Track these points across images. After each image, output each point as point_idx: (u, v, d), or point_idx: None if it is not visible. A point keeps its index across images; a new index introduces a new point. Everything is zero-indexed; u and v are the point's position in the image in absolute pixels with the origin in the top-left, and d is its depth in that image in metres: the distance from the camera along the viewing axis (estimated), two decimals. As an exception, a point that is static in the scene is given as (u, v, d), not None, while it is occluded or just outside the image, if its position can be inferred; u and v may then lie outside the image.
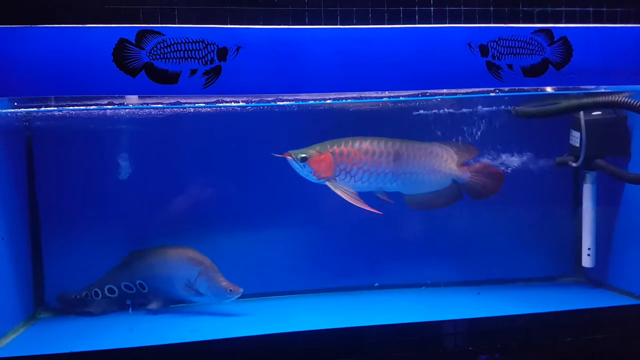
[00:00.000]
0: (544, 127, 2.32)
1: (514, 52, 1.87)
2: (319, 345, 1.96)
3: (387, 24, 1.85)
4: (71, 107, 1.88)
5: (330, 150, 2.15)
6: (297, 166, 2.14)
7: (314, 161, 2.13)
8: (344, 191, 2.12)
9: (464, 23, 1.88)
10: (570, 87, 1.95)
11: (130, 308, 2.21)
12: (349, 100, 2.00)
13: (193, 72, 1.72)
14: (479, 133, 2.29)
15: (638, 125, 2.25)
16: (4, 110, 1.94)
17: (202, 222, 2.32)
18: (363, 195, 2.15)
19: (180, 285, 2.20)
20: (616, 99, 2.01)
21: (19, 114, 2.00)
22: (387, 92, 1.91)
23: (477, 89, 1.91)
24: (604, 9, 1.96)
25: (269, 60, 1.76)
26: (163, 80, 1.71)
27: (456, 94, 1.97)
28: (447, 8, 1.88)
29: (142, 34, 1.69)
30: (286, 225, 2.39)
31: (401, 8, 1.86)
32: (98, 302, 2.23)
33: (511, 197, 2.43)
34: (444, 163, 2.23)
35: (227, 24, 1.77)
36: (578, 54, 1.90)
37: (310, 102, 2.00)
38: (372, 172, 2.17)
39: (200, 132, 2.29)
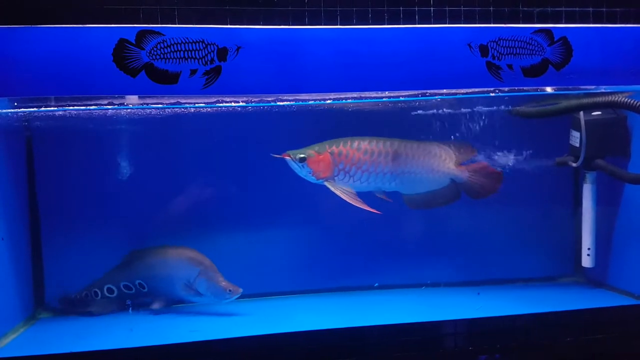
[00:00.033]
0: (544, 127, 2.32)
1: (514, 52, 1.87)
2: (319, 346, 1.96)
3: (387, 24, 1.85)
4: (71, 107, 1.88)
5: (329, 151, 2.15)
6: (295, 166, 2.14)
7: (313, 161, 2.13)
8: (342, 191, 2.13)
9: (463, 23, 1.88)
10: (570, 87, 1.95)
11: (130, 308, 2.21)
12: (349, 101, 2.00)
13: (193, 72, 1.72)
14: (478, 133, 2.29)
15: (638, 125, 2.25)
16: (4, 110, 1.94)
17: (202, 222, 2.32)
18: (362, 195, 2.15)
19: (180, 286, 2.20)
20: (616, 99, 2.01)
21: (19, 114, 2.00)
22: (387, 93, 1.91)
23: (477, 89, 1.91)
24: (604, 9, 1.96)
25: (269, 61, 1.76)
26: (163, 80, 1.71)
27: (456, 94, 1.97)
28: (447, 8, 1.88)
29: (142, 34, 1.69)
30: (286, 225, 2.39)
31: (401, 8, 1.86)
32: (99, 302, 2.23)
33: (511, 197, 2.44)
34: (443, 162, 2.23)
35: (227, 24, 1.77)
36: (578, 54, 1.90)
37: (310, 102, 2.00)
38: (370, 172, 2.17)
39: (200, 133, 2.29)
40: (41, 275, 2.26)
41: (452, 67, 1.84)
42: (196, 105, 1.95)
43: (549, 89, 1.97)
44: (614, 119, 2.26)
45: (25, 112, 1.97)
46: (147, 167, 2.28)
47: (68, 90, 1.69)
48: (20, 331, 2.07)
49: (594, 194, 2.32)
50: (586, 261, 2.34)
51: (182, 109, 1.99)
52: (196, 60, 1.72)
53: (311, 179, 2.15)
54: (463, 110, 2.28)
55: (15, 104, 1.88)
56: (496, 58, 1.86)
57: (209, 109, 2.01)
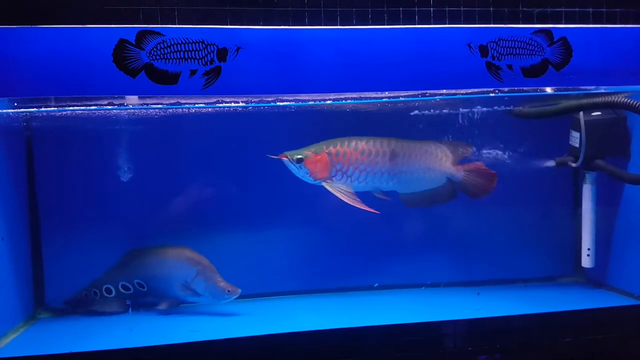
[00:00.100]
0: (543, 128, 2.32)
1: (514, 53, 1.87)
2: (319, 346, 1.96)
3: (387, 25, 1.85)
4: (71, 108, 1.88)
5: (326, 151, 2.15)
6: (293, 167, 2.14)
7: (310, 162, 2.13)
8: (340, 191, 2.13)
9: (463, 23, 1.88)
10: (570, 87, 1.95)
11: (130, 308, 2.22)
12: (349, 101, 2.00)
13: (193, 72, 1.72)
14: (478, 133, 2.29)
15: (637, 125, 2.25)
16: (4, 110, 1.94)
17: (202, 222, 2.32)
18: (360, 195, 2.15)
19: (178, 286, 2.20)
20: (615, 99, 2.01)
21: (19, 114, 2.00)
22: (386, 93, 1.91)
23: (476, 90, 1.91)
24: (604, 10, 1.96)
25: (268, 61, 1.76)
26: (163, 80, 1.71)
27: (456, 94, 1.97)
28: (446, 9, 1.88)
29: (142, 35, 1.69)
30: (286, 225, 2.39)
31: (401, 9, 1.86)
32: (99, 301, 2.23)
33: (511, 197, 2.44)
34: (439, 162, 2.24)
35: (227, 25, 1.77)
36: (578, 54, 1.90)
37: (310, 102, 2.00)
38: (368, 172, 2.17)
39: (200, 133, 2.29)
40: (41, 275, 2.26)
41: (452, 68, 1.84)
42: (196, 105, 1.95)
43: (548, 90, 1.97)
44: (614, 120, 2.26)
45: (25, 112, 1.97)
46: (147, 167, 2.28)
47: (68, 91, 1.69)
48: (20, 331, 2.07)
49: (594, 194, 2.32)
50: (586, 261, 2.34)
51: (182, 110, 1.99)
52: (196, 61, 1.72)
53: (309, 179, 2.15)
54: (463, 110, 2.28)
55: (15, 104, 1.88)
56: (496, 58, 1.86)
57: (209, 110, 2.01)
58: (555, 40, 1.89)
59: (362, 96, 1.94)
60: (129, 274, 2.23)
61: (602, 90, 2.05)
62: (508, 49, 1.87)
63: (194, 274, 2.18)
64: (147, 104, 1.91)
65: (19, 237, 2.17)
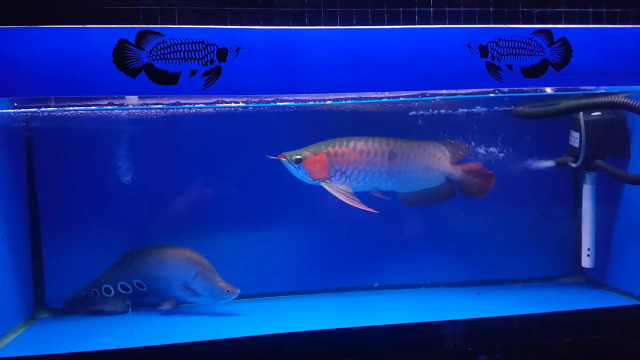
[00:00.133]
0: (543, 128, 2.32)
1: (514, 53, 1.87)
2: (319, 346, 1.96)
3: (387, 25, 1.85)
4: (71, 108, 1.88)
5: (325, 151, 2.15)
6: (292, 168, 2.14)
7: (309, 162, 2.13)
8: (339, 191, 2.13)
9: (463, 24, 1.88)
10: (570, 87, 1.95)
11: (130, 308, 2.22)
12: (349, 101, 2.00)
13: (193, 72, 1.72)
14: (478, 134, 2.29)
15: (637, 125, 2.25)
16: (4, 110, 1.94)
17: (202, 222, 2.32)
18: (358, 195, 2.15)
19: (177, 286, 2.20)
20: (615, 99, 2.01)
21: (19, 114, 2.00)
22: (386, 93, 1.91)
23: (476, 90, 1.91)
24: (604, 10, 1.96)
25: (268, 61, 1.76)
26: (163, 80, 1.71)
27: (456, 94, 1.98)
28: (446, 9, 1.88)
29: (142, 35, 1.69)
30: (285, 225, 2.40)
31: (401, 9, 1.86)
32: (99, 302, 2.23)
33: (511, 197, 2.44)
34: (438, 161, 2.24)
35: (227, 25, 1.77)
36: (577, 54, 1.90)
37: (310, 102, 2.00)
38: (367, 172, 2.18)
39: (200, 133, 2.29)
40: (41, 275, 2.26)
41: (452, 68, 1.84)
42: (196, 105, 1.95)
43: (548, 90, 1.97)
44: (614, 120, 2.26)
45: (25, 112, 1.97)
46: (147, 167, 2.28)
47: (68, 91, 1.69)
48: (20, 331, 2.07)
49: (594, 194, 2.32)
50: (586, 261, 2.34)
51: (182, 110, 1.99)
52: (196, 61, 1.72)
53: (308, 180, 2.15)
54: (463, 110, 2.28)
55: (15, 104, 1.88)
56: (496, 59, 1.86)
57: (209, 110, 2.01)
58: (555, 40, 1.89)
59: (362, 96, 1.94)
60: (129, 274, 2.23)
61: (602, 91, 2.06)
62: (508, 49, 1.87)
63: (193, 274, 2.18)
64: (147, 104, 1.91)
65: (19, 237, 2.17)
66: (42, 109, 1.89)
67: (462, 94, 1.97)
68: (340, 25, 1.83)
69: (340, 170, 2.16)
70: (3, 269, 2.02)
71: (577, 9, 1.95)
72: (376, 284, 2.44)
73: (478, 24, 1.89)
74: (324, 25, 1.82)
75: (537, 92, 1.97)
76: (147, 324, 2.11)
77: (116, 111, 2.01)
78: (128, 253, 2.26)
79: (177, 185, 2.31)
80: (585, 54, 1.90)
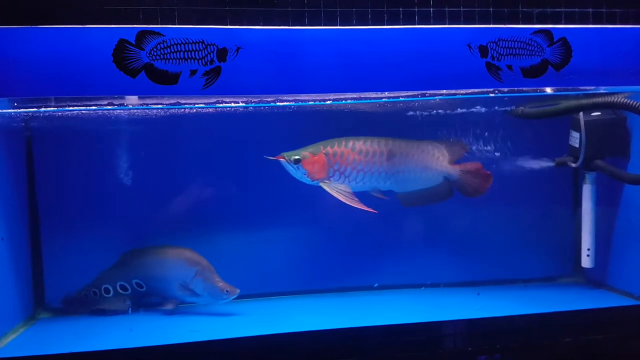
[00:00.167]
0: (543, 128, 2.32)
1: (514, 53, 1.87)
2: (319, 346, 1.96)
3: (387, 25, 1.85)
4: (71, 108, 1.88)
5: (324, 151, 2.15)
6: (290, 168, 2.14)
7: (308, 163, 2.13)
8: (338, 191, 2.13)
9: (463, 24, 1.88)
10: (570, 88, 1.95)
11: (130, 308, 2.22)
12: (349, 101, 2.00)
13: (193, 72, 1.72)
14: (478, 134, 2.30)
15: (637, 126, 2.25)
16: (4, 110, 1.94)
17: (202, 223, 2.32)
18: (357, 195, 2.15)
19: (176, 286, 2.20)
20: (615, 99, 2.01)
21: (19, 114, 2.00)
22: (386, 93, 1.91)
23: (476, 90, 1.91)
24: (603, 10, 1.96)
25: (268, 61, 1.76)
26: (163, 80, 1.71)
27: (456, 94, 1.98)
28: (446, 9, 1.88)
29: (142, 35, 1.69)
30: (285, 225, 2.40)
31: (401, 9, 1.86)
32: (99, 301, 2.23)
33: (511, 197, 2.44)
34: (436, 161, 2.25)
35: (227, 25, 1.77)
36: (577, 54, 1.90)
37: (310, 102, 2.00)
38: (366, 172, 2.18)
39: (200, 133, 2.29)
40: (41, 275, 2.26)
41: (452, 68, 1.84)
42: (196, 105, 1.95)
43: (548, 90, 1.98)
44: (614, 120, 2.26)
45: (25, 112, 1.97)
46: (147, 167, 2.28)
47: (68, 91, 1.70)
48: (20, 331, 2.07)
49: (594, 194, 2.32)
50: (586, 262, 2.34)
51: (182, 110, 2.00)
52: (196, 61, 1.72)
53: (306, 180, 2.15)
54: (463, 110, 2.28)
55: (15, 104, 1.88)
56: (496, 59, 1.86)
57: (209, 110, 2.01)
58: (555, 40, 1.89)
59: (362, 96, 1.94)
60: (128, 273, 2.23)
61: (602, 91, 2.06)
62: (508, 49, 1.87)
63: (192, 274, 2.18)
64: (147, 104, 1.91)
65: (19, 237, 2.17)
66: (42, 109, 1.89)
67: (462, 94, 1.97)
68: (340, 25, 1.83)
69: (339, 171, 2.16)
70: (3, 269, 2.02)
71: (577, 9, 1.95)
72: (376, 284, 2.44)
73: (478, 24, 1.89)
74: (324, 25, 1.82)
75: (537, 92, 1.97)
76: (147, 324, 2.11)
77: (116, 111, 2.01)
78: (127, 253, 2.26)
79: (177, 185, 2.31)
80: (585, 54, 1.90)
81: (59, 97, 1.78)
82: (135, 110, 2.01)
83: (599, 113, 2.24)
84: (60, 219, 2.26)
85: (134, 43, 1.68)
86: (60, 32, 1.66)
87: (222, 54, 1.73)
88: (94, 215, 2.27)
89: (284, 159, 2.13)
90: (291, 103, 1.99)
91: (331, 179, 2.16)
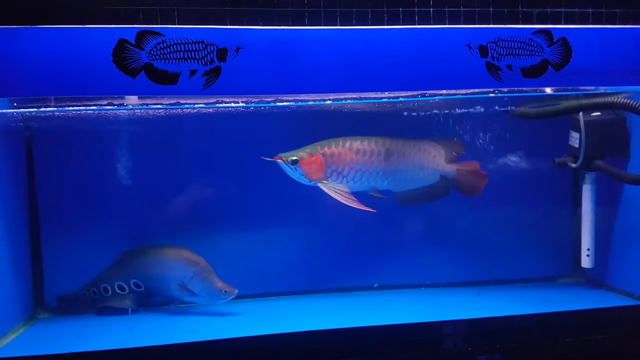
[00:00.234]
0: (543, 128, 2.32)
1: (514, 53, 1.87)
2: (319, 346, 1.96)
3: (387, 25, 1.85)
4: (71, 108, 1.88)
5: (321, 152, 2.15)
6: (288, 169, 2.14)
7: (305, 163, 2.13)
8: (336, 192, 2.13)
9: (463, 24, 1.88)
10: (570, 88, 1.95)
11: (130, 308, 2.21)
12: (349, 101, 2.00)
13: (193, 72, 1.72)
14: (478, 134, 2.30)
15: (637, 126, 2.25)
16: (4, 111, 1.94)
17: (201, 223, 2.32)
18: (355, 195, 2.15)
19: (175, 286, 2.20)
20: (615, 99, 2.01)
21: (19, 114, 2.00)
22: (386, 93, 1.91)
23: (476, 90, 1.91)
24: (603, 10, 1.96)
25: (268, 61, 1.76)
26: (163, 80, 1.71)
27: (456, 94, 1.98)
28: (446, 9, 1.88)
29: (142, 35, 1.69)
30: (285, 225, 2.40)
31: (401, 9, 1.86)
32: (98, 301, 2.23)
33: (511, 197, 2.44)
34: (433, 159, 2.25)
35: (226, 25, 1.77)
36: (577, 54, 1.90)
37: (310, 102, 2.00)
38: (363, 172, 2.18)
39: (200, 133, 2.29)
40: (41, 275, 2.26)
41: (452, 68, 1.84)
42: (196, 105, 1.95)
43: (548, 90, 1.97)
44: (614, 120, 2.26)
45: (25, 112, 1.97)
46: (147, 167, 2.28)
47: (68, 91, 1.69)
48: (20, 331, 2.07)
49: (594, 194, 2.32)
50: (586, 262, 2.34)
51: (182, 110, 1.99)
52: (196, 61, 1.72)
53: (304, 180, 2.16)
54: (463, 110, 2.28)
55: (15, 104, 1.88)
56: (496, 59, 1.86)
57: (209, 110, 2.01)
58: (555, 40, 1.89)
59: (362, 96, 1.94)
60: (127, 273, 2.24)
61: (602, 91, 2.06)
62: (508, 50, 1.87)
63: (191, 274, 2.18)
64: (147, 104, 1.91)
65: (19, 237, 2.17)
66: (42, 109, 1.89)
67: (462, 94, 1.97)
68: (340, 25, 1.83)
69: (336, 171, 2.16)
70: (3, 269, 2.02)
71: (576, 9, 1.95)
72: (376, 284, 2.44)
73: (478, 24, 1.89)
74: (324, 25, 1.82)
75: (537, 92, 1.97)
76: (147, 324, 2.11)
77: (116, 111, 2.01)
78: (127, 253, 2.26)
79: (177, 185, 2.31)
80: (585, 54, 1.90)
81: (58, 97, 1.78)
82: (135, 110, 2.01)
83: (598, 113, 2.24)
84: (60, 219, 2.26)
85: (133, 43, 1.68)
86: (60, 32, 1.66)
87: (222, 54, 1.73)
88: (93, 215, 2.27)
89: (281, 160, 2.13)
90: (291, 103, 1.99)
91: (329, 179, 2.16)
